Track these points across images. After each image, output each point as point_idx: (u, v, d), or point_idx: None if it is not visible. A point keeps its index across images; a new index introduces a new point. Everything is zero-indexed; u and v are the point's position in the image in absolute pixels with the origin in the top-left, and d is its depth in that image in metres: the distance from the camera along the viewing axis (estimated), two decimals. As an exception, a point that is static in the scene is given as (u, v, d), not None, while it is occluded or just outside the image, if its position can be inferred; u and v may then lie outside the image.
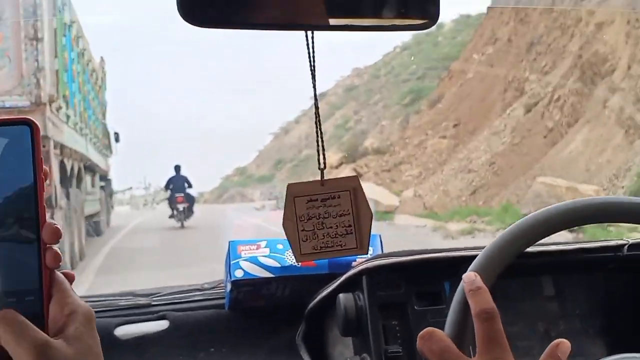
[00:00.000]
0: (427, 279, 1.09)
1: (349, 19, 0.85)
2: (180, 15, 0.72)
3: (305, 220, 0.87)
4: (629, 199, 0.84)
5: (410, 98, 48.38)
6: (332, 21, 0.83)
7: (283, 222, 0.84)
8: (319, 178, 0.91)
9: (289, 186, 0.86)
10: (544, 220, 0.80)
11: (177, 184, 14.76)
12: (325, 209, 0.87)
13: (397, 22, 0.85)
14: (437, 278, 1.10)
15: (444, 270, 1.10)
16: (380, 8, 0.85)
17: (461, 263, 0.99)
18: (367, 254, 0.86)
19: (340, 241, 0.87)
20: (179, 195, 14.42)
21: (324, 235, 0.87)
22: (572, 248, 1.14)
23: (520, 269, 0.82)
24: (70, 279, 0.59)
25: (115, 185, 17.14)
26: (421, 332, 0.67)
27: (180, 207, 14.39)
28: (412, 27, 0.88)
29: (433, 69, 66.21)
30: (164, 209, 15.79)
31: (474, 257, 0.79)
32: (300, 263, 1.15)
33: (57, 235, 0.56)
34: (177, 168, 15.09)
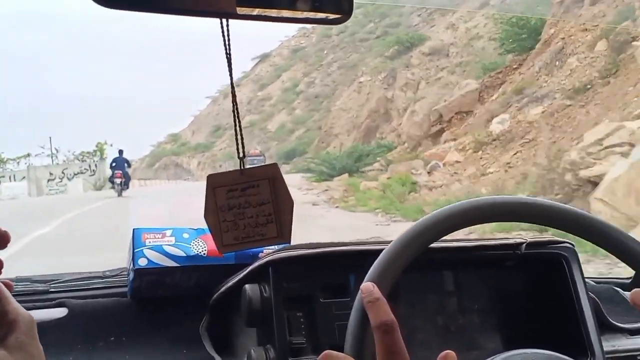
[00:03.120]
0: (333, 272, 1.11)
1: (263, 9, 0.84)
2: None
3: (226, 211, 0.87)
4: (532, 200, 0.90)
5: (396, 50, 42.08)
6: (246, 10, 0.82)
7: (204, 215, 0.85)
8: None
9: (209, 177, 0.87)
10: (439, 220, 0.85)
11: (119, 163, 19.84)
12: (245, 199, 0.88)
13: (311, 15, 0.86)
14: (343, 271, 1.12)
15: (350, 263, 1.12)
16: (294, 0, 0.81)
17: (367, 256, 0.99)
18: (288, 242, 0.86)
19: (261, 230, 0.88)
20: (118, 171, 19.51)
21: (245, 226, 0.88)
22: (473, 245, 1.17)
23: (423, 263, 0.86)
24: (10, 287, 0.59)
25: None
26: (319, 357, 0.67)
27: (118, 181, 19.39)
28: (326, 21, 0.89)
29: (394, 27, 54.23)
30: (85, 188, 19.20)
31: (380, 251, 0.81)
32: (224, 254, 1.11)
33: (4, 241, 0.55)
34: (120, 152, 20.94)
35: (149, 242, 1.22)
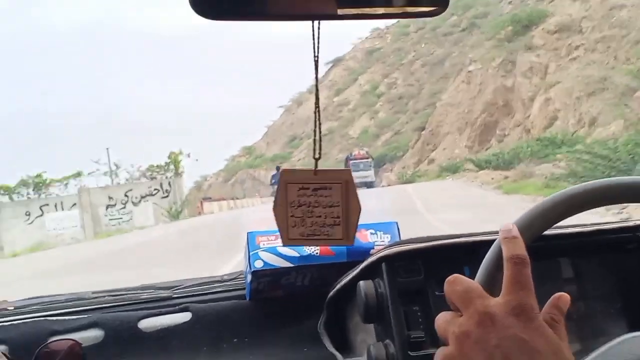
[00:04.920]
0: (446, 265, 1.11)
1: (361, 9, 0.88)
2: (193, 9, 0.76)
3: (296, 207, 0.92)
4: None
5: (511, 30, 35.33)
6: (345, 11, 0.86)
7: (274, 207, 0.91)
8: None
9: (283, 172, 0.92)
10: (585, 192, 0.86)
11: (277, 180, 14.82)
12: (315, 198, 0.91)
13: (408, 9, 0.89)
14: (456, 263, 1.14)
15: (462, 255, 1.17)
16: None
17: (480, 247, 1.02)
18: (352, 244, 0.94)
19: (327, 231, 0.92)
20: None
21: (312, 224, 0.92)
22: (590, 230, 1.20)
23: (538, 252, 0.88)
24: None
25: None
26: (447, 278, 0.73)
27: None
28: (422, 14, 0.91)
29: (481, 17, 45.76)
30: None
31: (492, 241, 0.84)
32: (285, 246, 1.26)
33: None
34: (277, 167, 21.20)
35: (263, 245, 1.31)
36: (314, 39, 0.87)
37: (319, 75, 0.94)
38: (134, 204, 25.48)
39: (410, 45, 61.87)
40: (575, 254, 1.21)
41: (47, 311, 1.35)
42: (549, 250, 1.17)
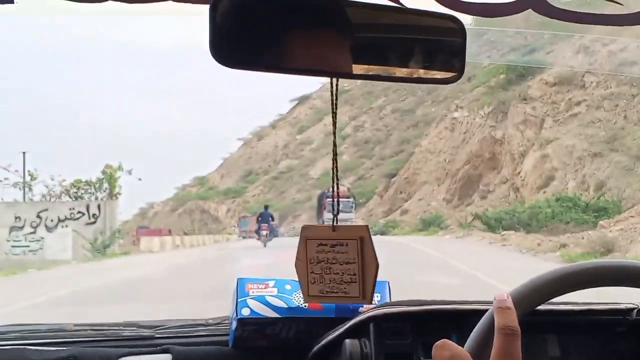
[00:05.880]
0: (434, 330, 1.16)
1: (373, 67, 0.92)
2: (213, 57, 0.80)
3: (315, 263, 0.94)
4: None
5: (505, 79, 33.13)
6: (361, 69, 0.91)
7: (295, 261, 0.95)
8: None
9: (304, 228, 0.96)
10: (581, 272, 0.89)
11: (264, 218, 23.24)
12: (333, 255, 0.93)
13: (423, 74, 0.92)
14: (444, 329, 1.17)
15: (452, 321, 1.20)
16: (406, 59, 0.91)
17: (470, 316, 1.05)
18: (370, 303, 0.96)
19: (344, 288, 0.93)
20: (264, 224, 22.75)
21: (330, 280, 0.93)
22: (581, 309, 1.24)
23: (526, 326, 0.87)
24: None
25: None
26: (436, 342, 0.73)
27: (264, 232, 22.40)
28: (437, 81, 0.94)
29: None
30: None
31: (484, 311, 0.86)
32: (307, 304, 1.31)
33: None
34: (266, 207, 25.58)
35: (252, 292, 1.35)
36: (332, 94, 0.91)
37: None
38: (48, 228, 19.66)
39: (381, 90, 58.71)
40: (563, 331, 1.24)
41: (27, 339, 1.38)
42: (537, 325, 1.19)
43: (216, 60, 0.79)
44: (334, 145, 0.95)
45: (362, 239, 0.90)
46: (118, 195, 21.92)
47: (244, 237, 31.05)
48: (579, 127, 25.36)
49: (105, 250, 19.05)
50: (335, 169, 0.93)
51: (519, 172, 27.67)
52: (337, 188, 0.92)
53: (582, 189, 23.54)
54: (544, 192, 24.99)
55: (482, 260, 15.36)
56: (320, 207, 31.67)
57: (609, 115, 25.10)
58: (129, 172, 22.33)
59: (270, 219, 23.33)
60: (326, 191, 35.92)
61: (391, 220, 35.80)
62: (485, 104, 31.45)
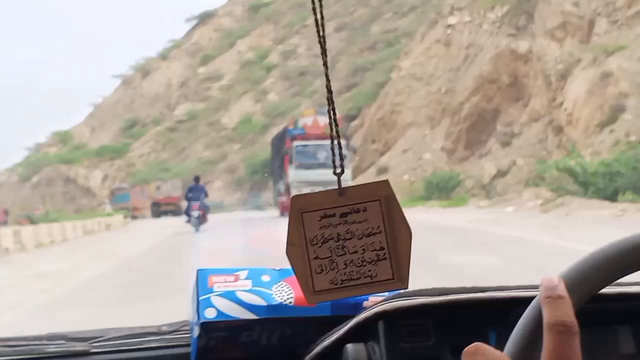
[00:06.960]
0: (465, 327, 1.04)
1: None
2: None
3: (319, 244, 0.73)
4: None
5: None
6: None
7: (287, 250, 0.75)
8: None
9: (294, 199, 0.75)
10: None
11: (195, 194, 20.82)
12: (346, 227, 0.73)
13: None
14: (479, 326, 1.04)
15: (488, 315, 1.06)
16: None
17: (512, 306, 0.97)
18: (406, 286, 0.77)
19: (369, 270, 0.73)
20: (195, 203, 20.15)
21: (345, 264, 0.73)
22: None
23: (589, 317, 0.83)
24: None
25: None
26: (467, 347, 0.64)
27: (195, 214, 19.92)
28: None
29: None
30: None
31: (530, 298, 0.73)
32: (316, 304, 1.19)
33: None
34: (196, 178, 21.19)
35: (218, 288, 1.16)
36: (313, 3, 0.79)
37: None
38: None
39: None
40: (638, 320, 1.20)
41: None
42: (604, 315, 1.11)
43: None
44: (329, 92, 0.66)
45: (387, 199, 0.72)
46: None
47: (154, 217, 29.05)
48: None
49: None
50: (330, 98, 0.68)
51: (561, 103, 21.41)
52: (336, 126, 0.68)
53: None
54: (611, 130, 19.17)
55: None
56: (280, 161, 22.96)
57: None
58: None
59: (203, 195, 19.94)
60: (290, 128, 26.63)
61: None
62: (498, 1, 24.35)
